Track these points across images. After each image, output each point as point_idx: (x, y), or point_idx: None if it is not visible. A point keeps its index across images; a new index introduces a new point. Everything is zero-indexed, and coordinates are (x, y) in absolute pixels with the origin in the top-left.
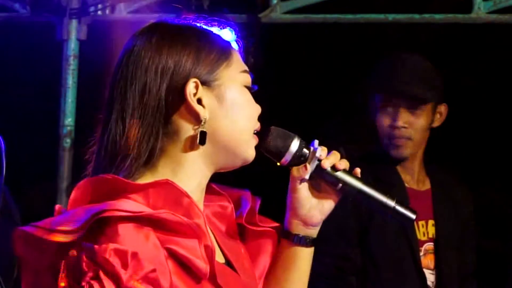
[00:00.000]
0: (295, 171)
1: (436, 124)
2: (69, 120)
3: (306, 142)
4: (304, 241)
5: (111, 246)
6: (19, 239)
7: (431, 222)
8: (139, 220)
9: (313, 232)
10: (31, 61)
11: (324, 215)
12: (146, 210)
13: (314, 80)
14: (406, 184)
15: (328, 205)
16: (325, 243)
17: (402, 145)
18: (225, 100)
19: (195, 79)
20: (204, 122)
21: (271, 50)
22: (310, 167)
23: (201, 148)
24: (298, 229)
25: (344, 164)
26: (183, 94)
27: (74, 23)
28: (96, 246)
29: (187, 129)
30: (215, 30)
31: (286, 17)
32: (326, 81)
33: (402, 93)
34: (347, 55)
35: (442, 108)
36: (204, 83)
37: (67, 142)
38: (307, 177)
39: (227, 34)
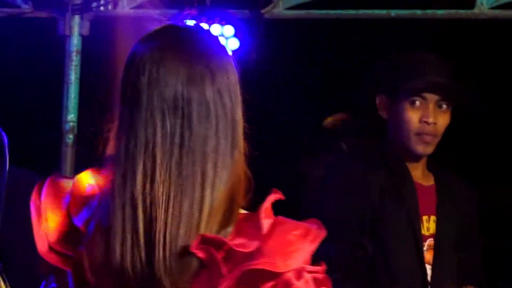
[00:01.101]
0: None
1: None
2: (71, 116)
3: None
4: None
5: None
6: (258, 278)
7: (433, 218)
8: None
9: None
10: (33, 57)
11: None
12: None
13: (317, 76)
14: (414, 179)
15: None
16: (342, 231)
17: (430, 141)
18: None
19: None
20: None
21: (274, 46)
22: None
23: None
24: None
25: None
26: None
27: (76, 18)
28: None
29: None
30: (217, 27)
31: (289, 13)
32: (329, 77)
33: (435, 86)
34: (349, 51)
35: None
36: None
37: (70, 138)
38: None
39: (229, 30)
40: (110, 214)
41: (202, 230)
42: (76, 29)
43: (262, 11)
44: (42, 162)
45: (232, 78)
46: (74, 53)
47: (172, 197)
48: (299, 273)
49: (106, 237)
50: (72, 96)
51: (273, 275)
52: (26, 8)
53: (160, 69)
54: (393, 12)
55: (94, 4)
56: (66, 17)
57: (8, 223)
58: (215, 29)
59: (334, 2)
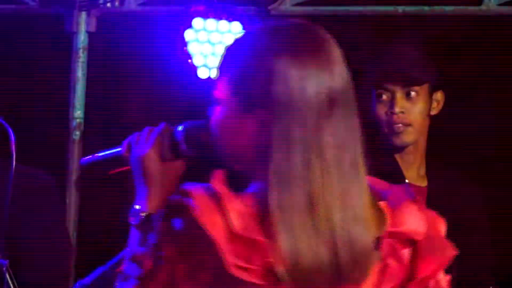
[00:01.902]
0: None
1: (434, 112)
2: (78, 113)
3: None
4: None
5: None
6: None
7: None
8: None
9: None
10: (40, 54)
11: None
12: None
13: None
14: (407, 180)
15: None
16: None
17: (402, 131)
18: None
19: None
20: None
21: None
22: None
23: None
24: None
25: None
26: None
27: (83, 15)
28: None
29: None
30: (224, 24)
31: (296, 9)
32: None
33: (395, 75)
34: (357, 47)
35: (439, 95)
36: None
37: (77, 134)
38: None
39: (236, 27)
40: (293, 221)
41: (374, 228)
42: (83, 26)
43: (269, 7)
44: (48, 158)
45: None
46: (81, 50)
47: (344, 199)
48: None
49: (291, 244)
50: (79, 92)
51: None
52: (33, 4)
53: (308, 73)
54: (401, 9)
55: (101, 1)
56: (73, 13)
57: (16, 220)
58: (222, 25)
59: None
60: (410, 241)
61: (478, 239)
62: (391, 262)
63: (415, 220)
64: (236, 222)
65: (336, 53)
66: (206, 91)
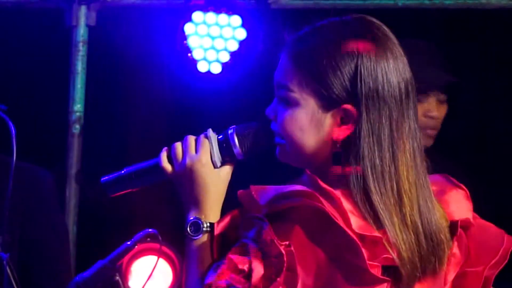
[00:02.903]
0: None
1: None
2: (78, 106)
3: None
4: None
5: None
6: None
7: None
8: None
9: None
10: (40, 47)
11: None
12: None
13: None
14: None
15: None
16: None
17: (433, 135)
18: None
19: None
20: None
21: (281, 36)
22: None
23: None
24: None
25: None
26: None
27: (83, 9)
28: None
29: None
30: (224, 17)
31: (296, 2)
32: None
33: (440, 83)
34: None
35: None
36: None
37: (76, 128)
38: None
39: (236, 20)
40: (392, 216)
41: (443, 218)
42: (82, 20)
43: (269, 1)
44: (48, 152)
45: None
46: (81, 44)
47: (422, 192)
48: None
49: (395, 239)
50: (79, 86)
51: None
52: None
53: (390, 66)
54: (401, 2)
55: None
56: (73, 7)
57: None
58: (222, 19)
59: None
60: (464, 229)
61: None
62: (456, 251)
63: (462, 207)
64: (353, 221)
65: (399, 45)
66: (206, 85)
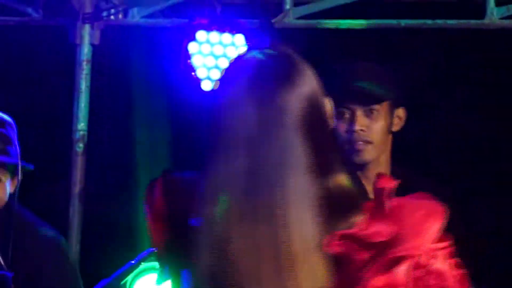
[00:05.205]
0: None
1: (395, 128)
2: (82, 125)
3: None
4: None
5: None
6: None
7: None
8: None
9: None
10: (43, 66)
11: None
12: None
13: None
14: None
15: None
16: None
17: (362, 149)
18: None
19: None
20: None
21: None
22: None
23: None
24: None
25: None
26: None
27: (87, 27)
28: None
29: None
30: (227, 36)
31: (299, 22)
32: None
33: (355, 93)
34: (360, 60)
35: (400, 112)
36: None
37: (80, 146)
38: None
39: (239, 40)
40: None
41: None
42: (86, 38)
43: (273, 20)
44: (52, 170)
45: None
46: (85, 62)
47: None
48: (433, 252)
49: None
50: (83, 105)
51: (408, 258)
52: (37, 16)
53: None
54: (403, 22)
55: (105, 13)
56: (77, 26)
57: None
58: (226, 38)
59: (344, 12)
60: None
61: None
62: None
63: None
64: None
65: None
66: (210, 104)
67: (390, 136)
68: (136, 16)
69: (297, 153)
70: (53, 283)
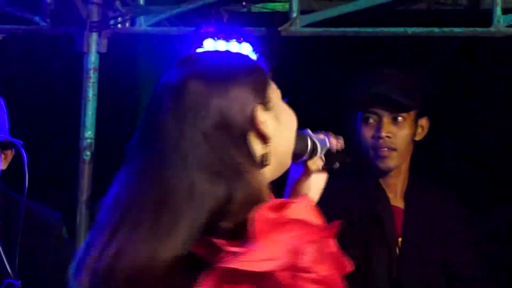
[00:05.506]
0: (312, 164)
1: (418, 137)
2: (89, 133)
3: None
4: None
5: (325, 267)
6: (219, 277)
7: (399, 239)
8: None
9: None
10: (51, 74)
11: (319, 193)
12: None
13: (334, 93)
14: (391, 202)
15: (322, 182)
16: None
17: (388, 155)
18: (280, 118)
19: (259, 105)
20: (270, 143)
21: (291, 63)
22: (323, 158)
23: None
24: None
25: (342, 143)
26: (254, 119)
27: (94, 36)
28: (311, 267)
29: (259, 150)
30: (234, 45)
31: (306, 30)
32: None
33: (384, 100)
34: (367, 68)
35: (424, 122)
36: (264, 106)
37: (87, 154)
38: (321, 166)
39: (246, 48)
40: None
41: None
42: (93, 46)
43: (279, 28)
44: (59, 178)
45: None
46: (92, 70)
47: None
48: (291, 275)
49: None
50: (90, 113)
51: (256, 275)
52: (44, 25)
53: None
54: (410, 30)
55: (112, 22)
56: (84, 34)
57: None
58: (233, 46)
59: (351, 20)
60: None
61: (461, 259)
62: None
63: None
64: None
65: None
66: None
67: (412, 145)
68: (143, 24)
69: (198, 152)
70: (46, 269)
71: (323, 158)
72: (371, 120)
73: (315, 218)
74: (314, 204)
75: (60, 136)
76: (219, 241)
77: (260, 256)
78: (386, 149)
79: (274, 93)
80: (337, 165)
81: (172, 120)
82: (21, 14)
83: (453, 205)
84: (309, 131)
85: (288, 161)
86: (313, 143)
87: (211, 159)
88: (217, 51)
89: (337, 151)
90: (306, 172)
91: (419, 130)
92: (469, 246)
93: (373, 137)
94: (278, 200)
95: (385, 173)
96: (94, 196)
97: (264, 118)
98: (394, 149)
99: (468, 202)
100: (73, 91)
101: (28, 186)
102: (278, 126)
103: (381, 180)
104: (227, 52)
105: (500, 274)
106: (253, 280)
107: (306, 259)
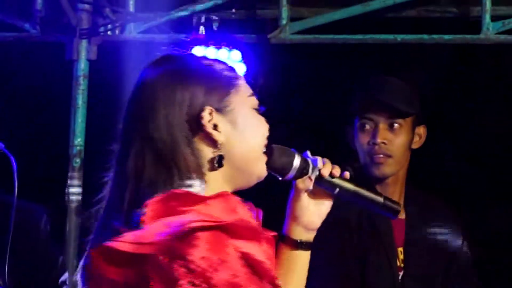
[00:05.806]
0: (300, 183)
1: (415, 145)
2: (78, 140)
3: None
4: (305, 245)
5: (202, 254)
6: (101, 255)
7: (400, 249)
8: (218, 228)
9: (312, 235)
10: (40, 81)
11: (322, 218)
12: (222, 219)
13: (323, 100)
14: None
15: (325, 208)
16: (329, 265)
17: (383, 162)
18: (237, 123)
19: (209, 107)
20: (221, 146)
21: (281, 71)
22: (313, 178)
23: (221, 169)
24: (300, 235)
25: (338, 170)
26: (200, 122)
27: (84, 43)
28: (188, 255)
29: (207, 153)
30: (224, 52)
31: (296, 37)
32: (335, 102)
33: (379, 106)
34: (357, 75)
35: (421, 130)
36: (217, 110)
37: (77, 162)
38: (311, 187)
39: (236, 55)
40: None
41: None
42: (83, 54)
43: (269, 36)
44: (49, 185)
45: None
46: (82, 77)
47: None
48: (171, 259)
49: None
50: (79, 120)
51: (136, 257)
52: (34, 32)
53: None
54: (400, 37)
55: (102, 29)
56: (74, 41)
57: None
58: (222, 53)
59: (340, 27)
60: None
61: (459, 267)
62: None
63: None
64: None
65: None
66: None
67: (409, 153)
68: (132, 31)
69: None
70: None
71: (312, 178)
72: (367, 127)
73: (225, 214)
74: (237, 202)
75: (50, 143)
76: (117, 224)
77: (142, 239)
78: (381, 155)
79: (241, 99)
80: (337, 190)
81: (131, 118)
82: (11, 21)
83: (448, 215)
84: (308, 153)
85: (254, 170)
86: (303, 162)
87: (163, 152)
88: (190, 54)
89: (340, 177)
90: (296, 191)
91: (416, 138)
92: (467, 261)
93: (368, 143)
94: (189, 193)
95: (381, 180)
96: (83, 203)
97: (215, 121)
98: (390, 156)
99: (468, 202)
100: (63, 98)
101: (17, 192)
102: (233, 131)
103: (378, 188)
104: (203, 57)
105: (499, 275)
106: (134, 262)
107: (191, 247)
